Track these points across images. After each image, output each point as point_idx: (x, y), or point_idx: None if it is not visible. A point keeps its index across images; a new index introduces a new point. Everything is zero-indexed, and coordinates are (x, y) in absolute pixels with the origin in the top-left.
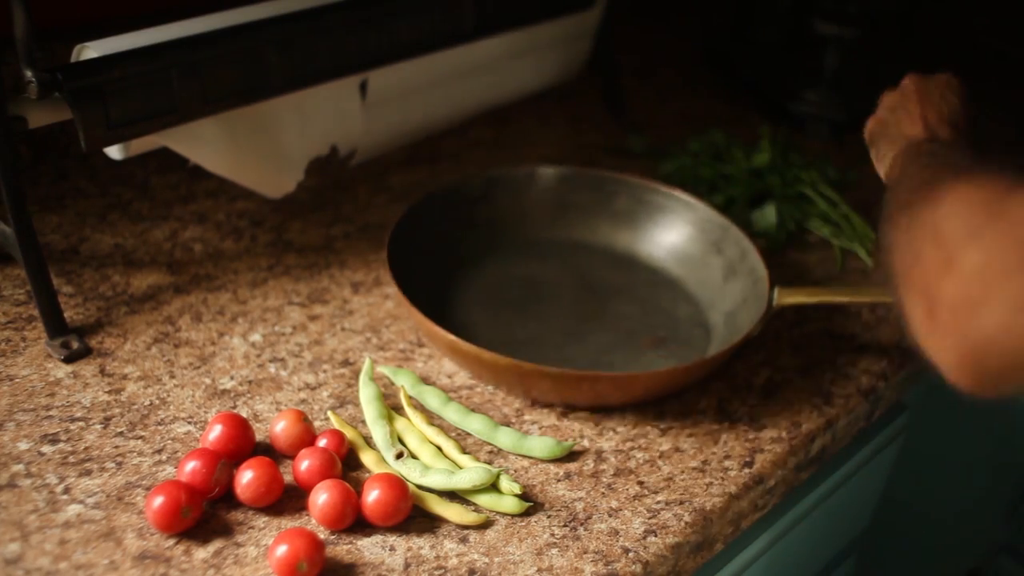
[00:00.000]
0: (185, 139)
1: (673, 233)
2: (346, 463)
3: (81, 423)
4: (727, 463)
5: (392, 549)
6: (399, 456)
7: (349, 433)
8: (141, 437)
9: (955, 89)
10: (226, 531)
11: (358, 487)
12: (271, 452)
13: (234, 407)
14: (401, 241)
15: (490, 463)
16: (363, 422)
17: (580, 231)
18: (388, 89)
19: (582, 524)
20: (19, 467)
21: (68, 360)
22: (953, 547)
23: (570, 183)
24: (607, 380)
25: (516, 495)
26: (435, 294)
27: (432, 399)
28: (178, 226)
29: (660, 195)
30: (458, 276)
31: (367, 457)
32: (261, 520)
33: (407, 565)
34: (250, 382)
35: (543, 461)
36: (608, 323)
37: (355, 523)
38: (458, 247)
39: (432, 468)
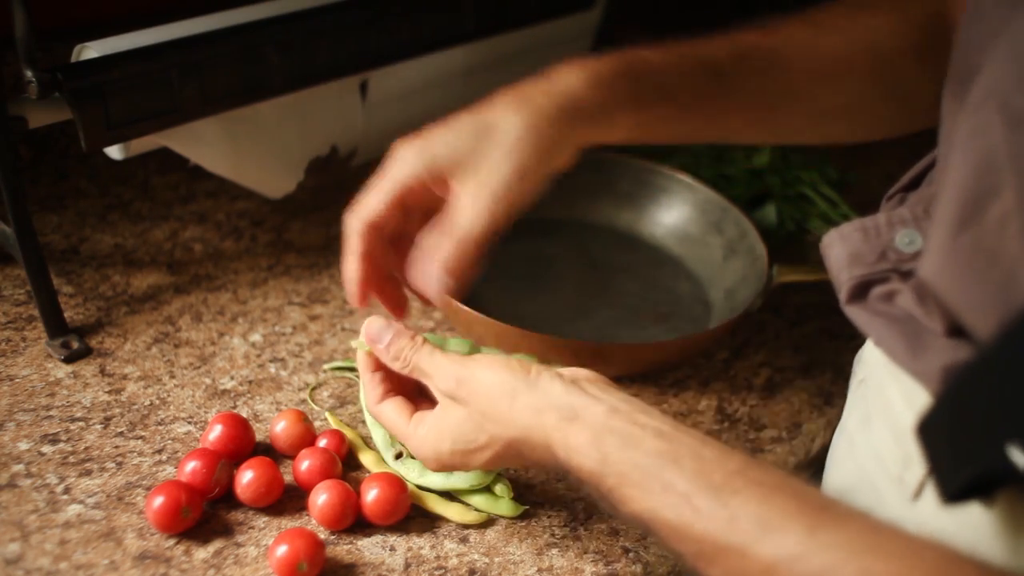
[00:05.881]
0: (185, 139)
1: (674, 213)
2: (346, 463)
3: (81, 423)
4: None
5: (392, 549)
6: (398, 456)
7: (348, 433)
8: (141, 437)
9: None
10: (226, 531)
11: (358, 487)
12: (271, 452)
13: (234, 407)
14: None
15: None
16: (363, 422)
17: (584, 211)
18: (388, 89)
19: (582, 524)
20: (19, 467)
21: (68, 360)
22: None
23: (575, 164)
24: (617, 350)
25: (511, 498)
26: None
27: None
28: (178, 226)
29: (662, 176)
30: None
31: (366, 457)
32: (261, 520)
33: (407, 565)
34: (250, 382)
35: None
36: (612, 300)
37: (355, 523)
38: None
39: None
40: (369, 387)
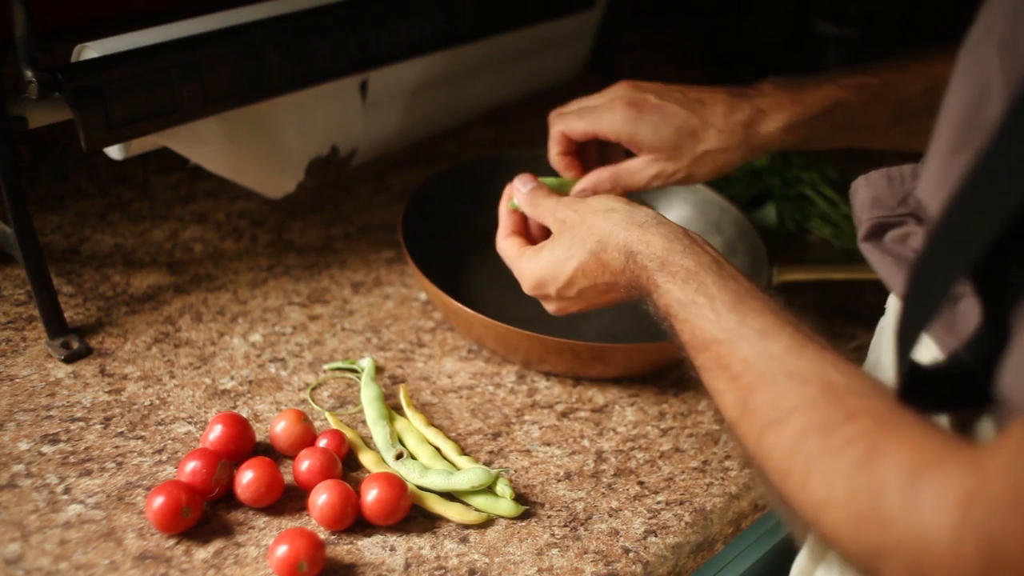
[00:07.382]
0: (185, 139)
1: (673, 213)
2: (346, 463)
3: (81, 423)
4: (727, 463)
5: (392, 549)
6: (399, 457)
7: (348, 433)
8: (141, 437)
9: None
10: (226, 531)
11: (358, 487)
12: (271, 452)
13: (234, 407)
14: (414, 220)
15: (490, 464)
16: (363, 422)
17: None
18: (388, 89)
19: (582, 524)
20: (19, 467)
21: (68, 360)
22: None
23: None
24: (617, 352)
25: (512, 499)
26: (448, 273)
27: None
28: (178, 226)
29: None
30: (470, 256)
31: (366, 457)
32: (261, 520)
33: (407, 565)
34: (250, 382)
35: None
36: None
37: (355, 523)
38: (469, 227)
39: (431, 469)
40: (503, 223)
